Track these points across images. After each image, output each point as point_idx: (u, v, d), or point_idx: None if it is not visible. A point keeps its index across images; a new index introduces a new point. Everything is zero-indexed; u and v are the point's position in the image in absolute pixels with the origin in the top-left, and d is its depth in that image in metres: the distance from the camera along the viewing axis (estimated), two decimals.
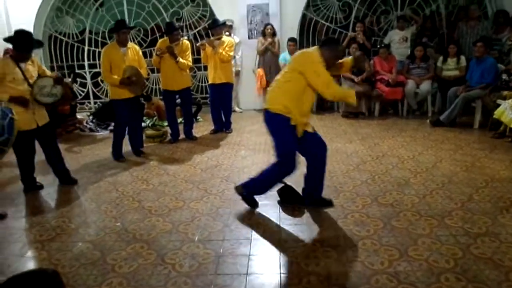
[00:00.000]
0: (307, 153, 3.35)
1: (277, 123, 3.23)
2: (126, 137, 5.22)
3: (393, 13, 7.77)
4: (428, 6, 7.76)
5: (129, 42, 4.98)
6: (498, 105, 5.30)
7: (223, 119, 6.19)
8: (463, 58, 6.37)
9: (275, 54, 7.25)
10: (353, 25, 7.56)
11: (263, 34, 7.24)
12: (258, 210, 3.51)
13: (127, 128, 5.18)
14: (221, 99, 6.04)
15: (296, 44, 7.27)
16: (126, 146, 5.29)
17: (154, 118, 6.81)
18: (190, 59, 5.60)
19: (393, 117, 6.74)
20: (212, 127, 6.21)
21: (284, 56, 7.23)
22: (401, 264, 2.63)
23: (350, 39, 7.18)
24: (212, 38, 5.82)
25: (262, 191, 3.51)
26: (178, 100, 5.85)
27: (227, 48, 5.77)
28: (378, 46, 7.08)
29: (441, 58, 6.53)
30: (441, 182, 3.94)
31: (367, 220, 3.25)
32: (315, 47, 3.31)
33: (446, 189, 3.78)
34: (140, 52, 5.10)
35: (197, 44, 6.07)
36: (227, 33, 6.42)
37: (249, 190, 3.52)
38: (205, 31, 7.81)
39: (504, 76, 5.66)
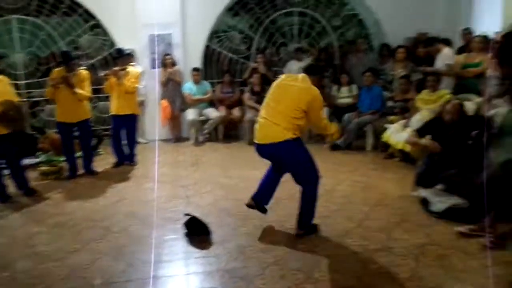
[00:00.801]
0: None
1: (297, 147, 3.34)
2: None
3: (291, 45, 8.25)
4: (322, 39, 8.37)
5: None
6: (386, 129, 5.84)
7: (125, 151, 5.94)
8: (354, 86, 6.93)
9: (178, 84, 7.23)
10: (255, 56, 7.86)
11: (163, 64, 7.19)
12: (163, 245, 3.39)
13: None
14: (126, 131, 5.83)
15: (201, 73, 7.35)
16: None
17: (49, 153, 6.31)
18: (89, 89, 5.34)
19: None
20: (114, 160, 5.92)
21: (189, 85, 7.24)
22: (306, 287, 2.71)
23: (253, 70, 7.44)
24: (116, 68, 5.62)
25: (312, 217, 3.52)
26: (77, 133, 5.51)
27: (132, 79, 5.61)
28: (279, 77, 7.40)
29: (335, 87, 7.05)
30: (340, 203, 4.18)
31: (274, 246, 3.31)
32: (304, 76, 3.41)
33: (345, 210, 4.02)
34: (9, 84, 4.74)
35: (101, 74, 5.82)
36: (132, 63, 6.24)
37: (305, 227, 3.50)
38: (104, 60, 7.56)
39: (390, 103, 6.25)
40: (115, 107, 5.70)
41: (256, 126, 3.49)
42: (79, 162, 5.57)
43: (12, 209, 4.35)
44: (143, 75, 7.20)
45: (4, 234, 3.71)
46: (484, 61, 5.68)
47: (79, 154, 5.69)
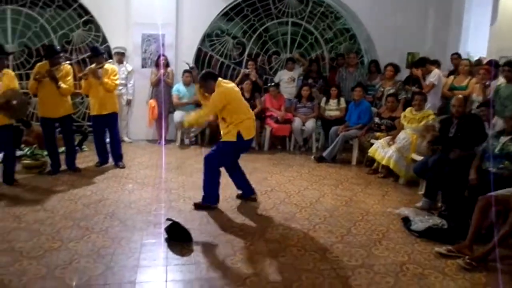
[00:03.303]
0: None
1: None
2: None
3: (283, 55, 8.29)
4: (314, 50, 8.44)
5: (5, 69, 4.68)
6: (372, 144, 5.89)
7: (110, 151, 5.85)
8: (343, 100, 6.99)
9: (169, 85, 7.19)
10: (246, 63, 7.87)
11: (156, 64, 7.13)
12: (143, 250, 3.35)
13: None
14: (109, 130, 5.75)
15: (191, 76, 7.31)
16: None
17: (34, 147, 6.20)
18: (72, 84, 5.24)
19: (281, 152, 7.04)
20: (98, 160, 5.82)
21: (178, 87, 7.20)
22: None
23: (244, 76, 7.44)
24: (93, 66, 5.49)
25: None
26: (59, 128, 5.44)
27: (112, 77, 5.50)
28: (269, 84, 7.45)
29: (324, 98, 7.10)
30: (323, 217, 4.20)
31: (255, 256, 3.30)
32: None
33: (328, 223, 4.03)
34: (15, 78, 4.80)
35: (79, 75, 5.59)
36: (110, 61, 6.09)
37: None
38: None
39: (377, 119, 6.30)
40: (96, 107, 5.55)
41: (250, 124, 4.24)
42: (63, 158, 5.48)
43: None
44: (131, 74, 7.17)
45: None
46: (470, 85, 5.81)
47: (62, 149, 5.61)
